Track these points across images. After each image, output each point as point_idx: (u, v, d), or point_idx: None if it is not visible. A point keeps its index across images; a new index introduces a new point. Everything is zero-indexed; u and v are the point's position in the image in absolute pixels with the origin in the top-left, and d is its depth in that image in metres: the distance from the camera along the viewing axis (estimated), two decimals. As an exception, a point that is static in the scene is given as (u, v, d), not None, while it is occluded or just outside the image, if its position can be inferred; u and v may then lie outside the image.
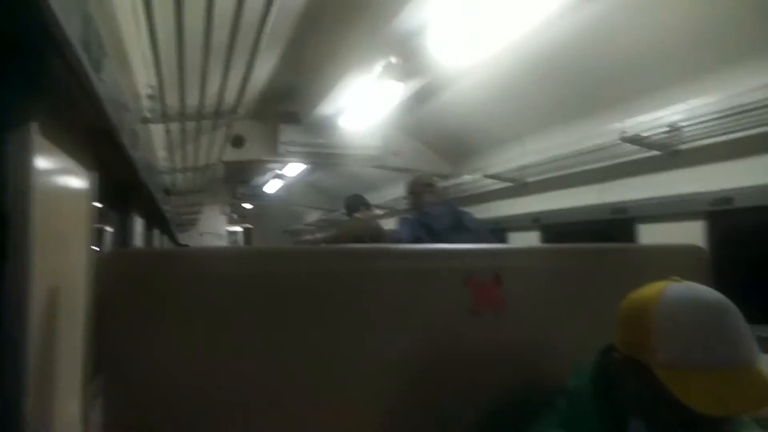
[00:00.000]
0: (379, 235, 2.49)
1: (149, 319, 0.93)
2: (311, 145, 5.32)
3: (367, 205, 3.61)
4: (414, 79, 3.75)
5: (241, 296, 0.98)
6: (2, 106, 0.95)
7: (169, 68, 2.23)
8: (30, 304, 1.02)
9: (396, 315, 1.05)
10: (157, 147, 3.79)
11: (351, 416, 1.00)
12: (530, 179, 4.40)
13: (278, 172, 7.81)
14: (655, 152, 3.16)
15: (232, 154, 5.28)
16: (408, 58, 3.44)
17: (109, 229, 2.64)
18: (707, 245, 2.86)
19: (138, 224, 3.27)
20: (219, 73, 2.31)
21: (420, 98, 4.32)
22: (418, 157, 5.65)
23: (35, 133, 1.02)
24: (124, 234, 2.81)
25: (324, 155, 5.45)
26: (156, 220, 4.49)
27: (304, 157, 5.55)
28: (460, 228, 2.46)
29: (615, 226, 3.50)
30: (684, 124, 2.89)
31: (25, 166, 1.01)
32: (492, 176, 4.64)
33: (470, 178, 5.05)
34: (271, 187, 8.95)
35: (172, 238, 7.37)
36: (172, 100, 2.67)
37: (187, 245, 8.62)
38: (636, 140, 3.13)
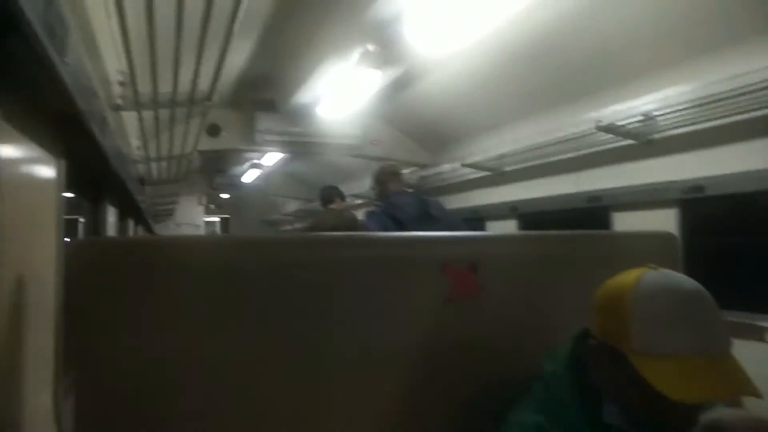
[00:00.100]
0: (354, 226, 2.49)
1: (120, 311, 0.91)
2: (289, 133, 5.25)
3: (342, 196, 3.60)
4: (392, 67, 3.72)
5: (218, 286, 0.96)
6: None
7: (141, 54, 2.17)
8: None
9: (372, 304, 1.04)
10: (130, 136, 3.71)
11: (327, 405, 1.00)
12: (508, 168, 4.43)
13: (256, 161, 7.71)
14: (630, 141, 3.20)
15: (208, 143, 5.19)
16: (385, 46, 3.41)
17: (83, 220, 2.58)
18: (680, 232, 2.92)
19: (111, 214, 3.20)
20: (192, 60, 2.26)
21: (398, 87, 4.30)
22: (397, 147, 5.62)
23: None
24: (95, 224, 2.75)
25: (302, 144, 5.38)
26: (130, 210, 4.40)
27: (282, 146, 5.48)
28: (427, 217, 2.47)
29: (591, 214, 3.55)
30: (658, 113, 2.92)
31: (-13, 153, 0.97)
32: (470, 165, 4.66)
33: (449, 168, 5.06)
34: (249, 176, 8.85)
35: (148, 228, 7.25)
36: (144, 87, 2.60)
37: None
38: (611, 129, 3.16)
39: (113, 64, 2.59)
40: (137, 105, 2.74)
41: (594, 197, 3.50)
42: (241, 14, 1.92)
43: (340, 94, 4.16)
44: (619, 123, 3.11)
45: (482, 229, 4.67)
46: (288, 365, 0.98)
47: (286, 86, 4.66)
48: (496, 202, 4.65)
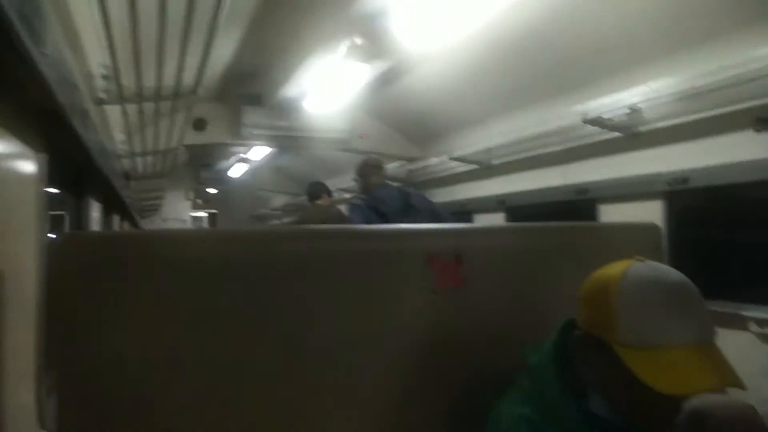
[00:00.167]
0: (341, 222, 2.49)
1: (104, 307, 0.89)
2: (276, 128, 5.21)
3: (329, 192, 3.61)
4: (379, 60, 3.70)
5: (203, 281, 0.94)
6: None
7: (124, 47, 2.14)
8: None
9: (358, 297, 1.04)
10: (114, 130, 3.66)
11: (314, 398, 0.99)
12: (495, 161, 4.44)
13: (242, 156, 7.66)
14: (616, 134, 3.22)
15: (193, 138, 5.14)
16: (373, 39, 3.39)
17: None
18: (665, 224, 2.95)
19: (95, 210, 3.16)
20: (176, 53, 2.23)
21: (386, 80, 4.28)
22: (384, 141, 5.61)
23: None
24: (79, 219, 2.71)
25: (289, 138, 5.35)
26: (115, 205, 4.35)
27: (269, 140, 5.45)
28: (409, 208, 2.49)
29: (578, 206, 3.57)
30: (643, 105, 2.94)
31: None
32: (457, 159, 4.66)
33: (437, 161, 5.06)
34: (236, 171, 8.79)
35: (134, 224, 7.18)
36: (128, 80, 2.56)
37: None
38: (597, 122, 3.18)
39: (96, 57, 2.55)
40: (121, 99, 2.70)
41: (581, 190, 3.52)
42: (225, 6, 1.90)
43: (327, 88, 4.14)
44: (606, 116, 3.13)
45: (470, 222, 4.68)
46: (274, 360, 0.97)
47: (273, 80, 4.63)
48: (484, 195, 4.66)
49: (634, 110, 3.00)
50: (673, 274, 0.85)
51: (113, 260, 0.91)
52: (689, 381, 0.77)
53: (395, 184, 3.30)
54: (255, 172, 9.06)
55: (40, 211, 1.58)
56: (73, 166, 2.33)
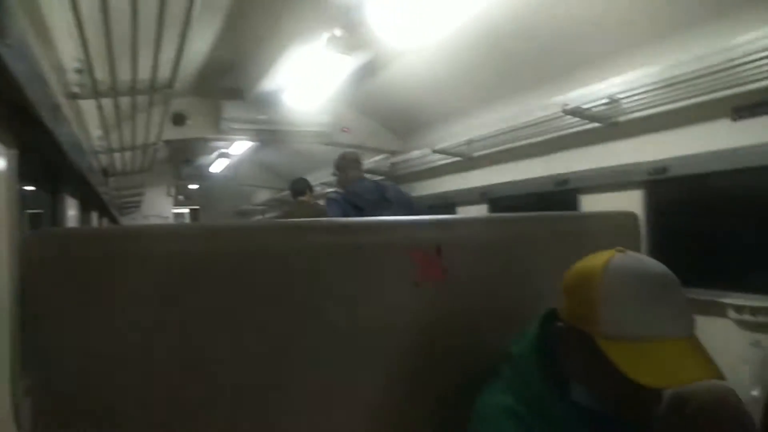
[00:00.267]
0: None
1: (79, 306, 0.87)
2: (256, 121, 5.16)
3: (312, 188, 3.62)
4: (359, 52, 3.67)
5: (183, 277, 0.92)
6: None
7: (96, 39, 2.08)
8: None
9: (339, 289, 1.03)
10: (90, 125, 3.58)
11: (298, 392, 0.98)
12: (477, 153, 4.44)
13: (224, 150, 7.58)
14: (596, 124, 3.24)
15: (173, 133, 5.06)
16: (352, 31, 3.36)
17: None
18: (645, 212, 2.98)
19: (72, 207, 3.09)
20: (151, 46, 2.18)
21: (367, 73, 4.25)
22: (367, 134, 5.58)
23: None
24: (54, 217, 2.66)
25: (270, 132, 5.29)
26: (93, 202, 4.28)
27: (250, 134, 5.38)
28: (385, 202, 2.53)
29: (559, 197, 3.59)
30: (622, 96, 2.96)
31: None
32: (440, 151, 4.66)
33: (419, 154, 5.06)
34: (217, 166, 8.70)
35: (114, 221, 7.07)
36: (102, 74, 2.51)
37: None
38: (577, 112, 3.19)
39: (68, 50, 2.48)
40: (95, 93, 2.63)
41: (561, 180, 3.54)
42: (199, -3, 1.86)
43: (308, 81, 4.10)
44: (585, 106, 3.14)
45: (453, 214, 4.69)
46: (253, 355, 0.96)
47: (253, 73, 4.57)
48: (466, 187, 4.66)
49: (613, 100, 3.02)
50: (655, 265, 0.85)
51: (85, 257, 0.89)
52: (671, 374, 0.78)
53: (378, 177, 3.31)
54: (237, 167, 8.98)
55: (12, 209, 1.54)
56: (47, 162, 2.28)
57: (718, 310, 2.54)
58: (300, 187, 3.56)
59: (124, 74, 2.51)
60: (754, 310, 2.43)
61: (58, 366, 0.86)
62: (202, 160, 9.00)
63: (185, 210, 12.53)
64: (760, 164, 2.38)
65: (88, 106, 2.97)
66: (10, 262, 1.46)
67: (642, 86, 2.82)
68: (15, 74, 1.06)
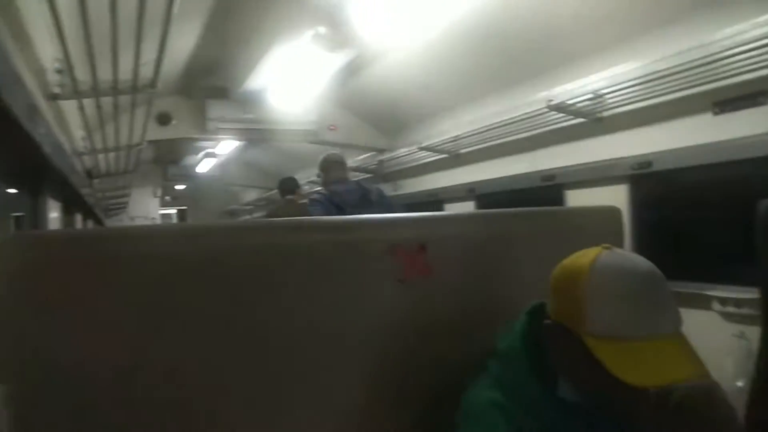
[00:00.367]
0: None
1: (59, 311, 0.85)
2: (242, 121, 5.13)
3: (300, 188, 3.63)
4: (345, 49, 3.66)
5: (164, 278, 0.90)
6: None
7: (76, 39, 2.05)
8: None
9: (323, 288, 1.02)
10: (73, 126, 3.53)
11: (285, 392, 0.97)
12: (464, 150, 4.45)
13: (210, 150, 7.53)
14: (581, 119, 3.25)
15: (158, 133, 5.02)
16: (337, 28, 3.35)
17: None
18: (630, 207, 3.00)
19: (54, 209, 3.05)
20: (132, 45, 2.15)
21: (352, 71, 4.24)
22: (354, 132, 5.57)
23: None
24: (35, 219, 2.62)
25: (256, 131, 5.27)
26: (76, 204, 4.22)
27: (236, 133, 5.35)
28: (366, 203, 2.56)
29: (546, 193, 3.61)
30: (606, 91, 2.98)
31: None
32: (426, 148, 4.66)
33: (406, 151, 5.06)
34: (204, 166, 8.63)
35: (99, 223, 6.99)
36: (83, 74, 2.47)
37: None
38: (562, 108, 3.20)
39: (48, 50, 2.45)
40: (76, 93, 2.60)
41: (548, 176, 3.56)
42: (179, -5, 1.84)
43: (293, 79, 4.08)
44: (570, 102, 3.16)
45: (441, 211, 4.70)
46: (237, 354, 0.95)
47: (237, 72, 4.54)
48: (454, 184, 4.67)
49: (597, 96, 3.03)
50: (641, 263, 0.85)
51: (70, 260, 0.87)
52: (657, 373, 0.78)
53: (363, 177, 3.31)
54: (224, 166, 8.92)
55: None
56: (27, 164, 2.24)
57: (702, 302, 2.57)
58: (288, 186, 3.56)
59: (105, 74, 2.48)
60: (738, 302, 2.46)
61: (38, 374, 0.84)
62: (189, 160, 8.93)
63: (173, 211, 12.45)
64: (742, 157, 2.41)
65: (69, 106, 2.93)
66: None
67: (625, 81, 2.84)
68: (-12, 75, 1.04)
